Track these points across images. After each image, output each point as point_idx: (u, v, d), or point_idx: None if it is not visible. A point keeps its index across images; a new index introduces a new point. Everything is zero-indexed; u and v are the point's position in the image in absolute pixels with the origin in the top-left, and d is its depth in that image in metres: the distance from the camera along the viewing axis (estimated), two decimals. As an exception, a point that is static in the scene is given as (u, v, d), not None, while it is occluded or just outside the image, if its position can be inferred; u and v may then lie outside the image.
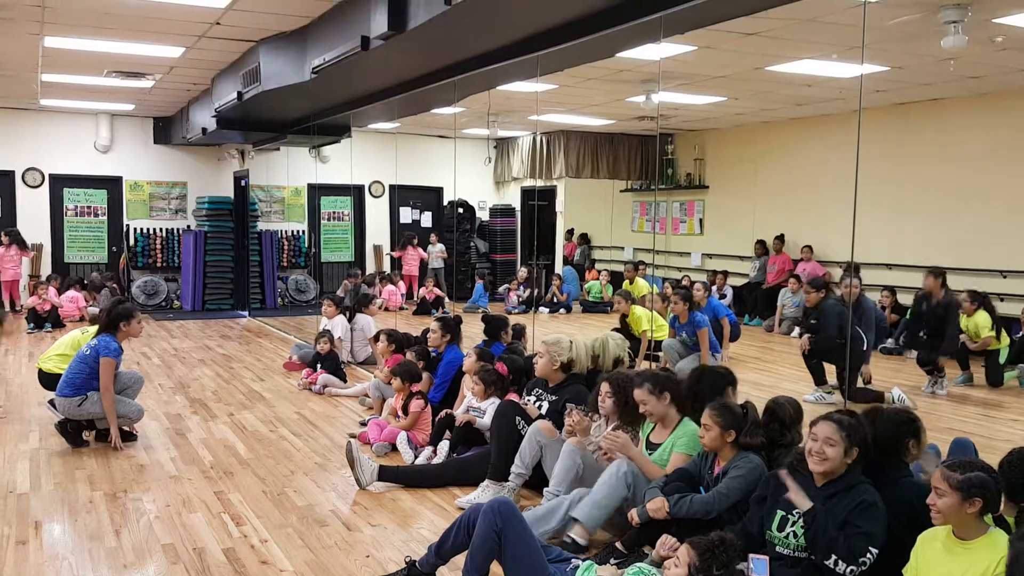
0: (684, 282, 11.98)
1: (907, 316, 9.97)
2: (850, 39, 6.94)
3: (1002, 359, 8.01)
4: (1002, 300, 9.32)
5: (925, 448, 3.64)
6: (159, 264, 13.68)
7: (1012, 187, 9.43)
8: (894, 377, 7.89)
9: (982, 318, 7.88)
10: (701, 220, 13.99)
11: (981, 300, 7.96)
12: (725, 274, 12.52)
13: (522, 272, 13.97)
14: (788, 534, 3.14)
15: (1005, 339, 8.05)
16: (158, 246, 13.67)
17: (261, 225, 13.93)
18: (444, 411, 5.58)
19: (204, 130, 10.85)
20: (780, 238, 12.22)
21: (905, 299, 9.85)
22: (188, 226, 13.90)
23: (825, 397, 7.24)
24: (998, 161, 9.60)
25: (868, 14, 5.99)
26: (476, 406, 5.41)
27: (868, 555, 2.94)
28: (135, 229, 13.58)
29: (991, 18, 6.28)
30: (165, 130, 13.57)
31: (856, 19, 5.99)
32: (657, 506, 3.56)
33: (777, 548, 3.16)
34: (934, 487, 2.76)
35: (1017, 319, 8.99)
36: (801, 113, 11.50)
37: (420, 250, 13.96)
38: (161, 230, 13.75)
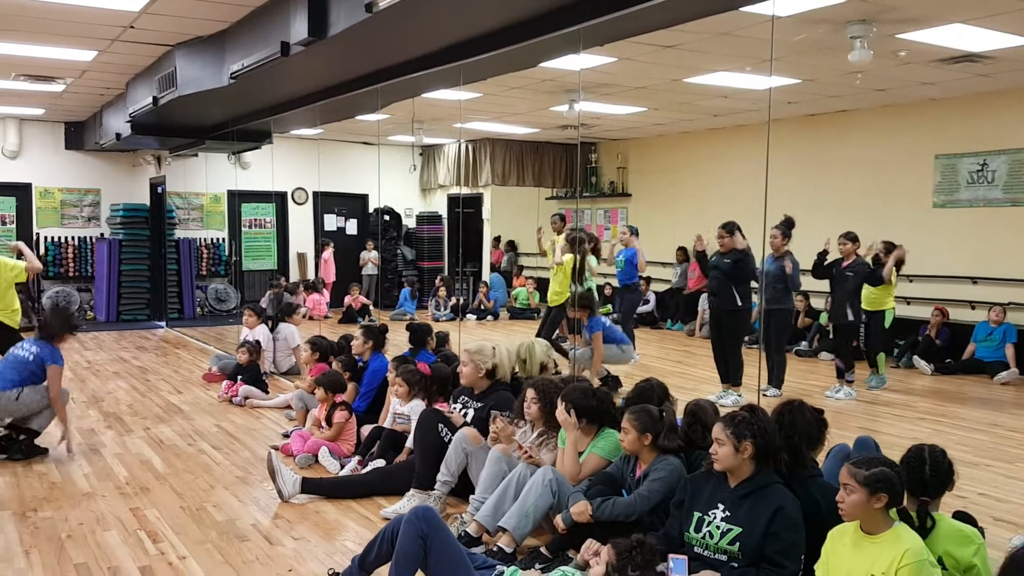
0: (607, 291, 12.16)
1: (819, 320, 10.35)
2: (761, 52, 7.17)
3: (887, 323, 8.28)
4: (908, 303, 9.76)
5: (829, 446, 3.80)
6: (71, 274, 13.18)
7: (913, 193, 9.89)
8: (806, 379, 8.16)
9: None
10: (625, 227, 14.21)
11: (894, 249, 8.15)
12: (648, 280, 12.76)
13: (441, 289, 13.56)
14: (704, 534, 3.22)
15: (892, 302, 8.31)
16: (70, 255, 13.19)
17: (179, 233, 13.57)
18: (372, 426, 5.50)
19: (118, 135, 10.51)
20: (700, 244, 12.49)
21: (817, 302, 10.22)
22: (102, 234, 13.43)
23: (736, 397, 7.39)
24: (901, 168, 10.05)
25: (777, 29, 6.20)
26: (401, 411, 5.37)
27: (800, 563, 3.06)
28: (46, 238, 13.07)
29: (895, 33, 6.58)
30: (77, 135, 13.08)
31: (766, 33, 6.20)
32: (581, 510, 3.61)
33: (696, 549, 3.24)
34: (842, 484, 2.87)
35: (922, 321, 9.42)
36: (718, 124, 11.82)
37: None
38: (73, 238, 13.26)
